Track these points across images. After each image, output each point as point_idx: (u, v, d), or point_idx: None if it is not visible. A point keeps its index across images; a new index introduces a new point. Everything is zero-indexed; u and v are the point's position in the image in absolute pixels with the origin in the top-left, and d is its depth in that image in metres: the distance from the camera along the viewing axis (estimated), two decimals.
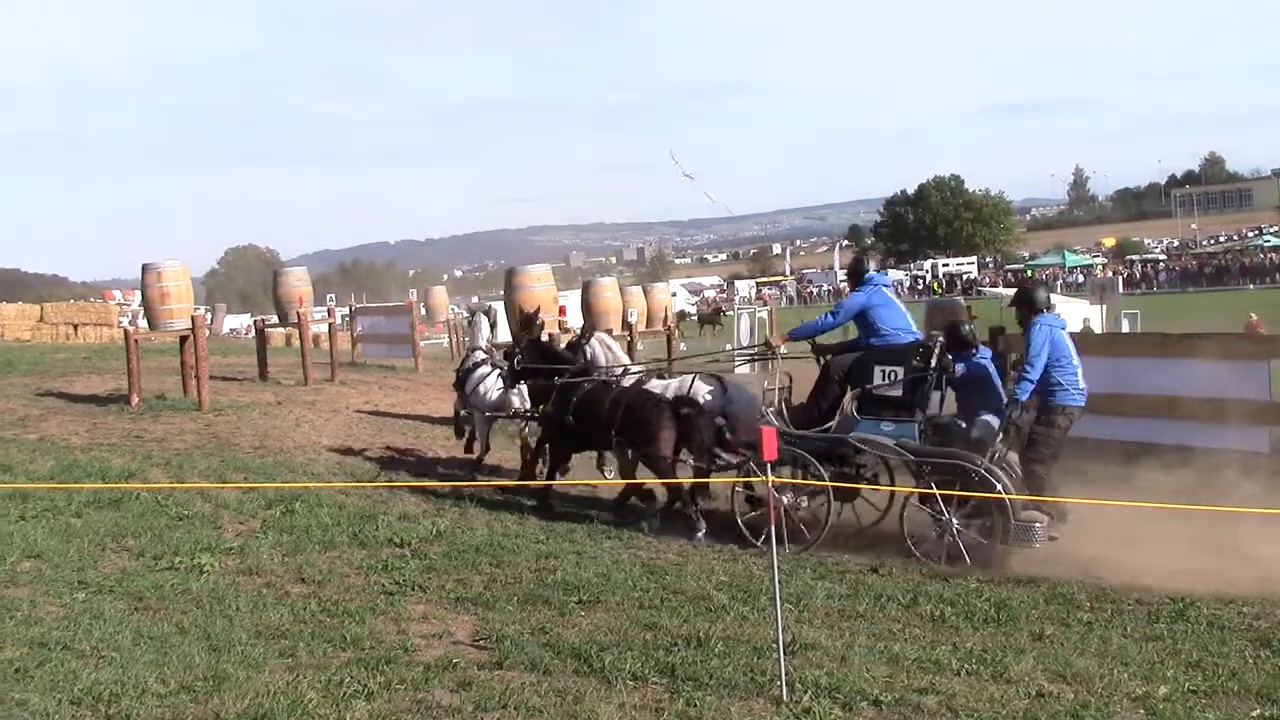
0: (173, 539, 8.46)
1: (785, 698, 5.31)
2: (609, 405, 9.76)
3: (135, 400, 15.00)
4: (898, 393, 8.68)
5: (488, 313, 13.33)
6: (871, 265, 10.31)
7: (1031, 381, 8.37)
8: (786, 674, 5.44)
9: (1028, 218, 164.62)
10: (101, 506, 9.36)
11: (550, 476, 10.46)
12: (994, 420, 8.57)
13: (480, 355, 12.48)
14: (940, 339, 8.78)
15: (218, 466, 11.25)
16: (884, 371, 8.78)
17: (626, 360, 11.90)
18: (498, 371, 11.98)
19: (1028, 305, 8.72)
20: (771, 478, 6.01)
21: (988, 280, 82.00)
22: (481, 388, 12.03)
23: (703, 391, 9.89)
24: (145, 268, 15.66)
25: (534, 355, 10.94)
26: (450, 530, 8.85)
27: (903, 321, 9.40)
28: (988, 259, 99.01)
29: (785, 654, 5.52)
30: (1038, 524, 7.97)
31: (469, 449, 12.37)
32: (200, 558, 7.91)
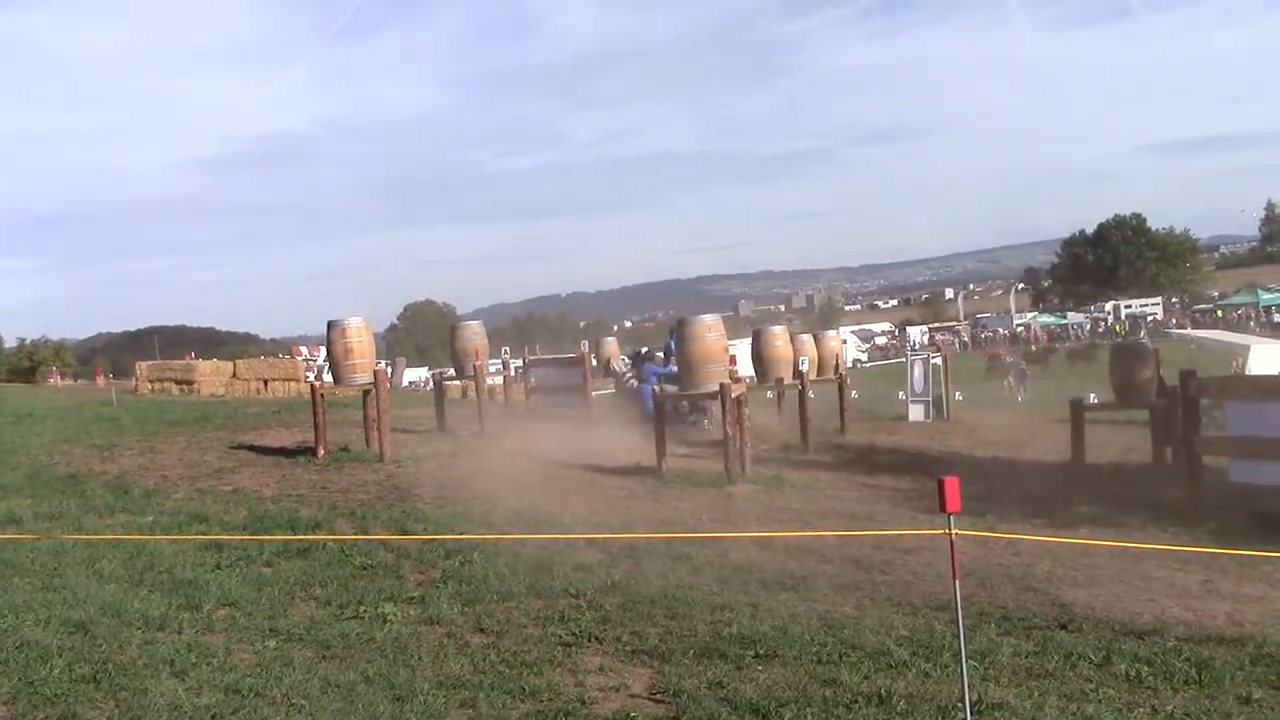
0: (357, 588, 8.66)
1: None
2: None
3: (321, 452, 15.55)
4: None
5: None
6: None
7: None
8: None
9: (1216, 256, 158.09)
10: (291, 556, 9.67)
11: None
12: None
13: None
14: None
15: (399, 517, 11.52)
16: None
17: None
18: None
19: None
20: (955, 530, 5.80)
21: (1174, 321, 78.78)
22: None
23: None
24: (330, 324, 16.28)
25: None
26: (625, 581, 8.83)
27: None
28: (1174, 299, 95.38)
29: (972, 713, 5.31)
30: None
31: None
32: (384, 607, 8.06)
